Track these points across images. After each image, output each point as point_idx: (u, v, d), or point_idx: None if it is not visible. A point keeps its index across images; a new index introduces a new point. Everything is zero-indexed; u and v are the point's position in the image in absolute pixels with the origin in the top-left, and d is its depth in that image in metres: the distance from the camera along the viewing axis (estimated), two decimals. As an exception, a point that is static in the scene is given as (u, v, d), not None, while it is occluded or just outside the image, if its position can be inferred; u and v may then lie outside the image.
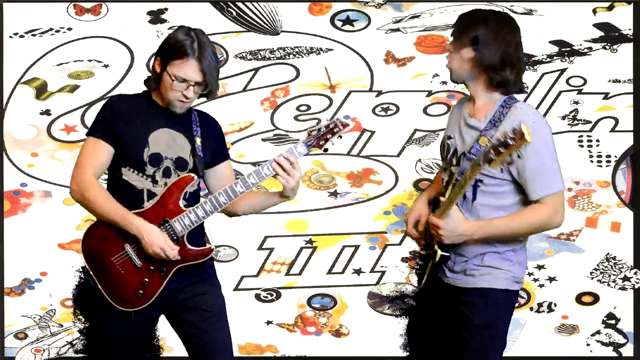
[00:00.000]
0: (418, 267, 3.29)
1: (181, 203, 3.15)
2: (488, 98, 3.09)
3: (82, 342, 3.32)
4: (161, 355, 3.39)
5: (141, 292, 3.14)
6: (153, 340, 3.34)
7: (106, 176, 3.27)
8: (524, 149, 2.84)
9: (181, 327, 3.27)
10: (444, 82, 4.86)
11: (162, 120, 3.20)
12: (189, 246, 3.17)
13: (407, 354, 3.38)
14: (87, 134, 3.23)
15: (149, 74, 3.28)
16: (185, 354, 3.36)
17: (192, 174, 3.18)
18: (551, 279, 5.01)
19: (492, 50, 3.05)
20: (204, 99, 3.30)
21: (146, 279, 3.14)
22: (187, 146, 3.22)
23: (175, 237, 3.14)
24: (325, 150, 3.20)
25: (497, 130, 3.00)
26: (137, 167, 3.16)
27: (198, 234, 3.24)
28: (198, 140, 3.22)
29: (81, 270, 3.26)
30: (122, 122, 3.16)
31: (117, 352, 3.22)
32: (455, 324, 3.11)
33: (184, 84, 3.12)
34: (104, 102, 3.25)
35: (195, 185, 3.22)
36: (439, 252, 3.09)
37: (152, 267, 3.14)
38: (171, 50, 3.14)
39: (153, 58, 3.24)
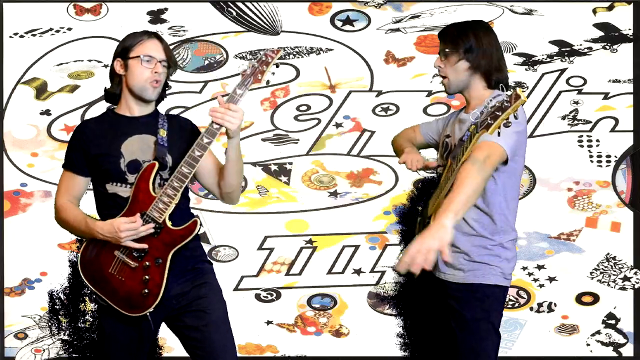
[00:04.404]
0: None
1: (153, 191, 3.13)
2: (479, 98, 3.20)
3: (75, 342, 3.31)
4: (161, 356, 3.38)
5: (146, 291, 3.11)
6: (154, 341, 3.33)
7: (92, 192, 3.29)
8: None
9: (183, 332, 3.24)
10: (444, 82, 4.87)
11: (131, 129, 3.21)
12: (174, 228, 3.13)
13: (405, 353, 3.40)
14: (62, 166, 3.27)
15: (105, 90, 3.31)
16: (185, 354, 3.36)
17: (153, 162, 3.15)
18: (551, 279, 5.01)
19: (487, 53, 3.17)
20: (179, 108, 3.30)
21: (146, 276, 3.11)
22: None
23: (157, 225, 3.11)
24: (267, 82, 3.19)
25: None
26: (119, 179, 3.17)
27: (181, 214, 3.19)
28: (162, 132, 3.20)
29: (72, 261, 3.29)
30: (93, 146, 3.19)
31: (119, 356, 3.21)
32: (447, 319, 3.14)
33: (152, 62, 3.17)
34: (72, 132, 3.27)
35: (166, 175, 3.18)
36: None
37: (147, 263, 3.12)
38: (128, 41, 3.24)
39: (110, 67, 3.27)
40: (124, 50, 3.24)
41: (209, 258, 3.38)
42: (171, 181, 3.12)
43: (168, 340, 3.62)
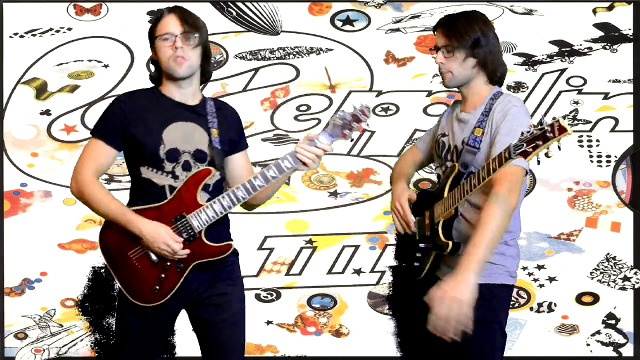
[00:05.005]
0: (416, 261, 3.28)
1: (199, 197, 3.07)
2: (478, 95, 3.16)
3: (102, 339, 3.26)
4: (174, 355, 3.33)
5: (157, 287, 3.06)
6: (170, 338, 3.28)
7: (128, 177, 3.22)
8: (498, 125, 2.93)
9: (197, 323, 3.20)
10: (444, 82, 4.87)
11: (175, 114, 3.12)
12: (207, 242, 3.08)
13: (402, 353, 3.38)
14: (91, 132, 3.16)
15: (149, 74, 3.26)
16: (187, 353, 3.35)
17: (210, 167, 3.10)
18: (551, 279, 5.01)
19: (492, 49, 3.13)
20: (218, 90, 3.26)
21: (162, 275, 3.06)
22: (205, 137, 3.13)
23: (192, 233, 3.06)
24: (351, 140, 3.14)
25: (488, 119, 3.05)
26: (155, 165, 3.08)
27: (219, 230, 3.15)
28: (215, 132, 3.14)
29: (96, 269, 3.22)
30: (133, 122, 3.09)
31: (134, 346, 3.15)
32: None
33: (170, 40, 3.08)
34: (111, 99, 3.18)
35: (218, 176, 3.13)
36: (451, 243, 3.06)
37: (168, 263, 3.06)
38: (152, 25, 3.16)
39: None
40: (150, 36, 3.16)
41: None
42: (222, 198, 3.07)
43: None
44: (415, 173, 3.48)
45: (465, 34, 3.09)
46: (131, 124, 3.09)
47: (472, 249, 2.87)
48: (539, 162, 2.72)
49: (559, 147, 2.69)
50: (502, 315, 3.12)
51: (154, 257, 3.07)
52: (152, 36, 3.15)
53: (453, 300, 2.79)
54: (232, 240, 3.22)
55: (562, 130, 2.64)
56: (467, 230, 3.11)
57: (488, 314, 3.07)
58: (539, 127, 2.69)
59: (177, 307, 3.17)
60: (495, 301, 3.08)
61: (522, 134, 2.72)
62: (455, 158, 3.14)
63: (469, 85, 3.16)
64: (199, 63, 3.15)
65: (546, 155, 2.71)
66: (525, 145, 2.71)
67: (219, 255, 3.12)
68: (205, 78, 3.24)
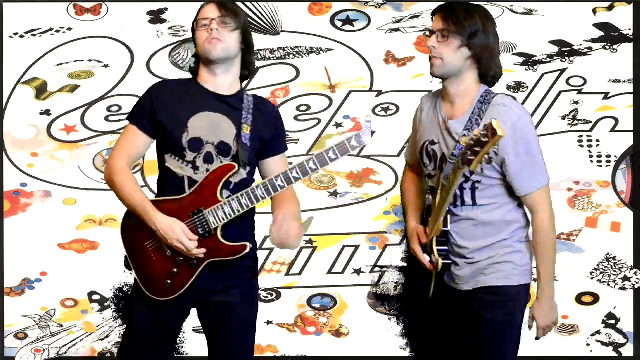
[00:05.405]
0: (421, 276, 3.22)
1: (219, 193, 3.03)
2: (465, 96, 3.01)
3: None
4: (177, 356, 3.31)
5: (169, 282, 3.03)
6: (177, 337, 3.25)
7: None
8: (505, 144, 2.84)
9: (207, 326, 3.18)
10: (444, 82, 4.86)
11: (206, 104, 3.08)
12: (222, 240, 3.03)
13: (413, 353, 3.34)
14: (127, 118, 3.17)
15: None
16: (192, 354, 3.35)
17: (234, 163, 3.04)
18: (551, 279, 5.01)
19: (491, 44, 2.99)
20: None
21: (175, 270, 3.03)
22: (232, 130, 3.08)
23: (208, 229, 3.02)
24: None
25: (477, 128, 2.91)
26: (177, 152, 3.06)
27: (240, 230, 3.10)
28: (246, 128, 3.08)
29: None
30: (162, 108, 3.07)
31: (138, 341, 3.13)
32: (469, 325, 3.06)
33: (206, 26, 3.05)
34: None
35: (243, 174, 3.10)
36: (441, 262, 3.05)
37: (181, 258, 3.03)
38: (194, 20, 3.14)
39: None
40: (192, 30, 3.15)
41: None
42: (241, 196, 3.02)
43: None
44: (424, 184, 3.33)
45: (465, 22, 2.94)
46: (160, 109, 3.08)
47: (545, 277, 3.22)
48: (489, 162, 2.73)
49: (496, 153, 2.71)
50: (519, 316, 3.09)
51: (168, 250, 3.04)
52: (194, 29, 3.13)
53: (553, 326, 3.35)
54: (255, 242, 3.17)
55: (495, 133, 2.58)
56: (479, 240, 3.05)
57: (503, 317, 3.06)
58: (477, 133, 2.64)
59: (187, 305, 3.14)
60: (511, 304, 3.09)
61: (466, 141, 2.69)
62: None
63: (457, 81, 2.99)
64: (236, 49, 3.11)
65: (487, 162, 2.68)
66: (468, 153, 2.67)
67: (234, 255, 3.06)
68: (248, 71, 3.19)
